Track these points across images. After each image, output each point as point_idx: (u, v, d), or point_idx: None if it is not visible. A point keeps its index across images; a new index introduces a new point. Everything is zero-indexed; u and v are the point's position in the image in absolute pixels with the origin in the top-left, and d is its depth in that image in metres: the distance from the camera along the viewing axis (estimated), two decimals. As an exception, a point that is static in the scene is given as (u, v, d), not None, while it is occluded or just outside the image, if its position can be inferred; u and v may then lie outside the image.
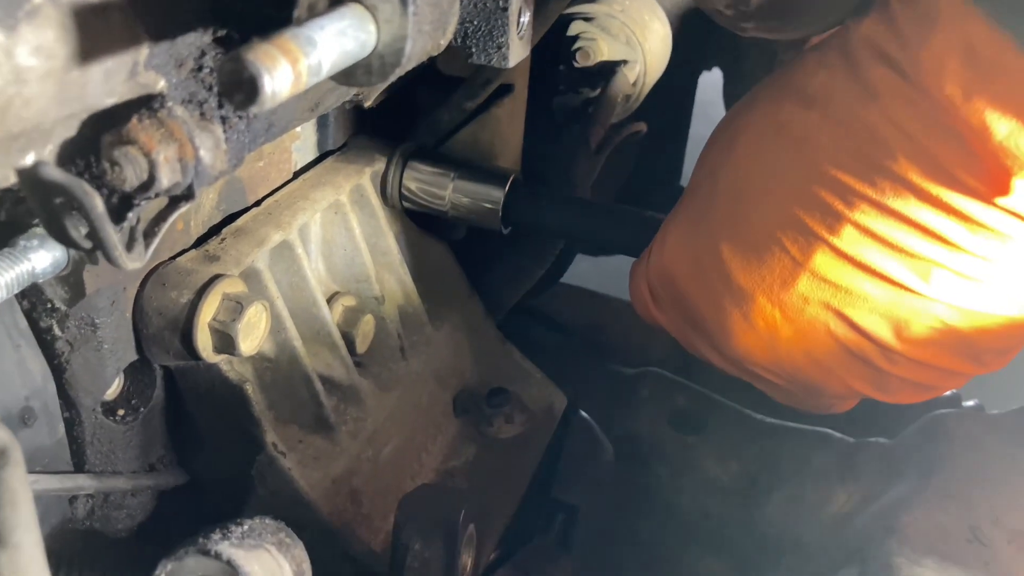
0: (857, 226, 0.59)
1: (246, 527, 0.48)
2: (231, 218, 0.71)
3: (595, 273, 1.59)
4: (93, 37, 0.40)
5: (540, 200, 0.83)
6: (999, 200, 0.56)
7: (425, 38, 0.45)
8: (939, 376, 0.65)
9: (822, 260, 0.61)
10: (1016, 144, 0.53)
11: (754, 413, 1.01)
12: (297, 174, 0.79)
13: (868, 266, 0.60)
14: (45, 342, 0.59)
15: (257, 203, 0.73)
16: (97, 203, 0.41)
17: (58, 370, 0.60)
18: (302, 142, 0.79)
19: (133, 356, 0.64)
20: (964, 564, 0.75)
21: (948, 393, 0.95)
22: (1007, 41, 0.51)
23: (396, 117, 0.88)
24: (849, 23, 0.62)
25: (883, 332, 0.62)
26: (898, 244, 0.59)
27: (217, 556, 0.45)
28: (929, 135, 0.56)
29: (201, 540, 0.46)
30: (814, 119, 0.60)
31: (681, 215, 0.71)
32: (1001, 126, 0.53)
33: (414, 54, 0.44)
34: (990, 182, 0.55)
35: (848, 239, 0.60)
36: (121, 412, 0.66)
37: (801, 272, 0.62)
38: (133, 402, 0.67)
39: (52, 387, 0.60)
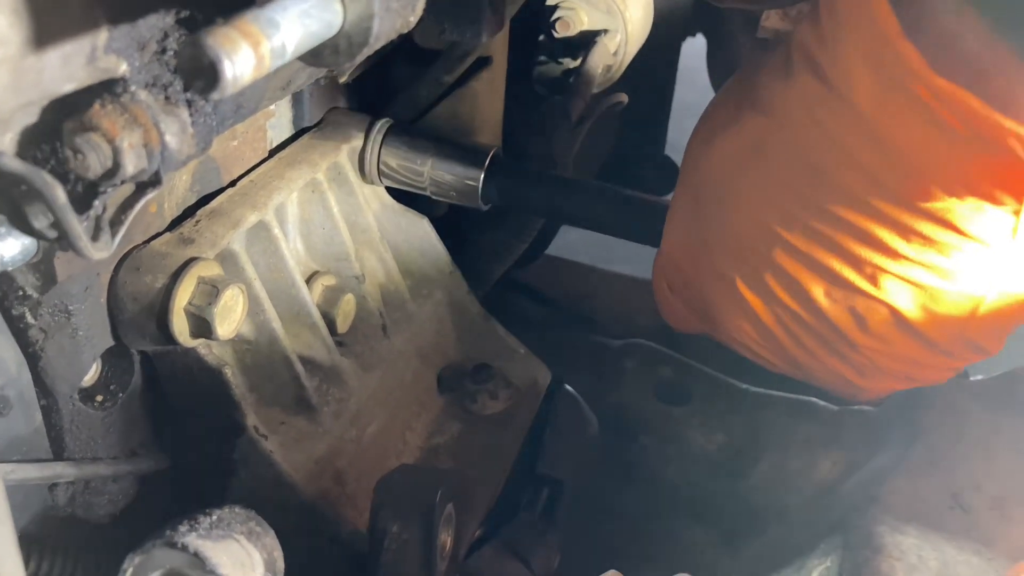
0: (809, 228, 0.61)
1: (214, 517, 0.47)
2: (206, 199, 0.70)
3: (581, 244, 1.58)
4: (48, 21, 0.38)
5: (520, 177, 0.82)
6: (923, 205, 0.55)
7: (393, 16, 0.44)
8: (913, 367, 0.66)
9: (784, 258, 0.62)
10: (926, 151, 0.52)
11: (739, 383, 1.01)
12: (272, 152, 0.77)
13: (824, 265, 0.61)
14: (18, 330, 0.58)
15: (232, 183, 0.72)
16: (59, 194, 0.40)
17: (33, 358, 0.59)
18: (277, 119, 0.77)
19: (109, 342, 0.63)
20: (946, 531, 0.75)
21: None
22: (914, 55, 0.50)
23: (373, 92, 0.86)
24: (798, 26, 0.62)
25: (847, 326, 0.64)
26: (846, 248, 0.60)
27: (184, 548, 0.44)
28: (852, 141, 0.56)
29: (168, 532, 0.45)
30: (769, 126, 0.61)
31: (677, 208, 0.73)
32: (910, 133, 0.53)
33: (382, 33, 0.43)
34: (911, 189, 0.55)
35: (803, 241, 0.61)
36: (99, 398, 0.65)
37: (768, 267, 0.63)
38: (111, 388, 0.66)
39: (27, 375, 0.60)
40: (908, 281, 0.59)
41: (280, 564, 0.49)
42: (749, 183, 0.63)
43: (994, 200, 0.54)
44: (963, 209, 0.54)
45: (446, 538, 0.62)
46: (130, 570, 0.44)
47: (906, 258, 0.58)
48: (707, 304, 0.71)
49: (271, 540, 0.49)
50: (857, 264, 0.60)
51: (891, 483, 0.79)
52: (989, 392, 0.87)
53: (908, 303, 0.60)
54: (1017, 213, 0.54)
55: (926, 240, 0.57)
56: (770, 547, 0.90)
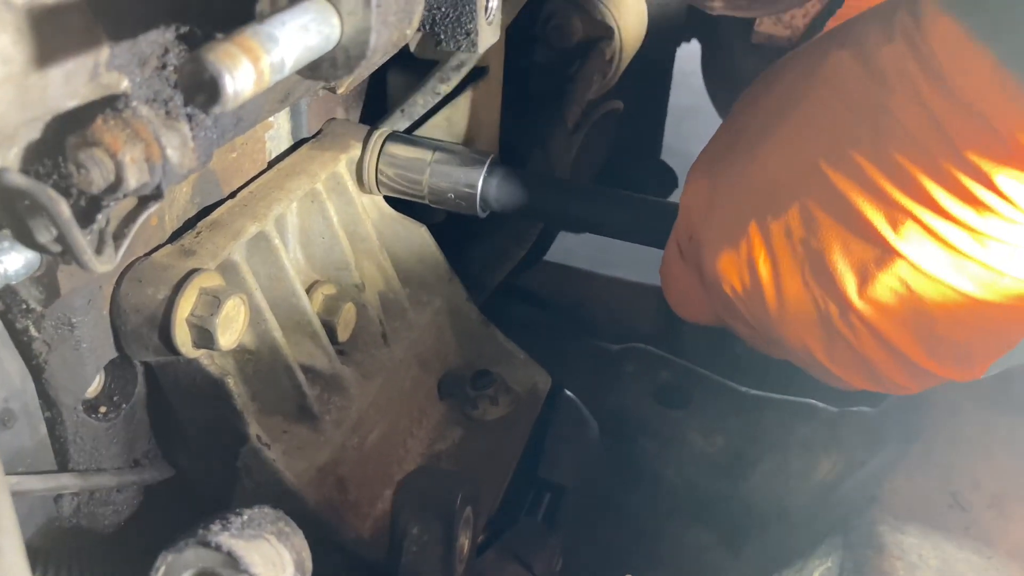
0: (854, 166, 0.59)
1: (245, 517, 0.48)
2: (206, 211, 0.70)
3: (580, 250, 1.59)
4: (51, 40, 0.39)
5: (518, 183, 0.83)
6: (973, 157, 0.55)
7: (391, 29, 0.45)
8: (887, 357, 0.65)
9: (816, 197, 0.61)
10: (985, 103, 0.53)
11: (739, 386, 1.02)
12: (272, 163, 0.78)
13: (851, 201, 0.60)
14: (22, 343, 0.59)
15: (232, 195, 0.73)
16: (63, 208, 0.41)
17: (37, 370, 0.60)
18: (275, 131, 0.78)
19: (112, 353, 0.64)
20: (946, 530, 0.76)
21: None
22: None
23: (370, 102, 0.87)
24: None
25: (847, 282, 0.62)
26: (885, 191, 0.58)
27: (217, 547, 0.44)
28: (925, 81, 0.56)
29: (201, 531, 0.45)
30: (845, 59, 0.61)
31: (708, 151, 0.71)
32: (978, 87, 0.53)
33: (379, 46, 0.44)
34: (967, 136, 0.55)
35: (839, 170, 0.60)
36: (103, 409, 0.66)
37: (794, 206, 0.62)
38: (115, 399, 0.67)
39: (31, 387, 0.60)
40: (937, 236, 0.59)
41: (308, 564, 0.49)
42: (805, 114, 0.62)
43: None
44: (1010, 168, 0.55)
45: (464, 540, 0.62)
46: (163, 568, 0.44)
47: (941, 208, 0.58)
48: (706, 249, 0.69)
49: (300, 540, 0.49)
50: (892, 209, 0.59)
51: (890, 483, 0.80)
52: (985, 391, 0.88)
53: (928, 260, 0.59)
54: None
55: (967, 195, 0.57)
56: (771, 548, 0.90)
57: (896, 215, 0.59)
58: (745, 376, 1.04)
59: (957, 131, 0.56)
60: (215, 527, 0.47)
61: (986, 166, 0.56)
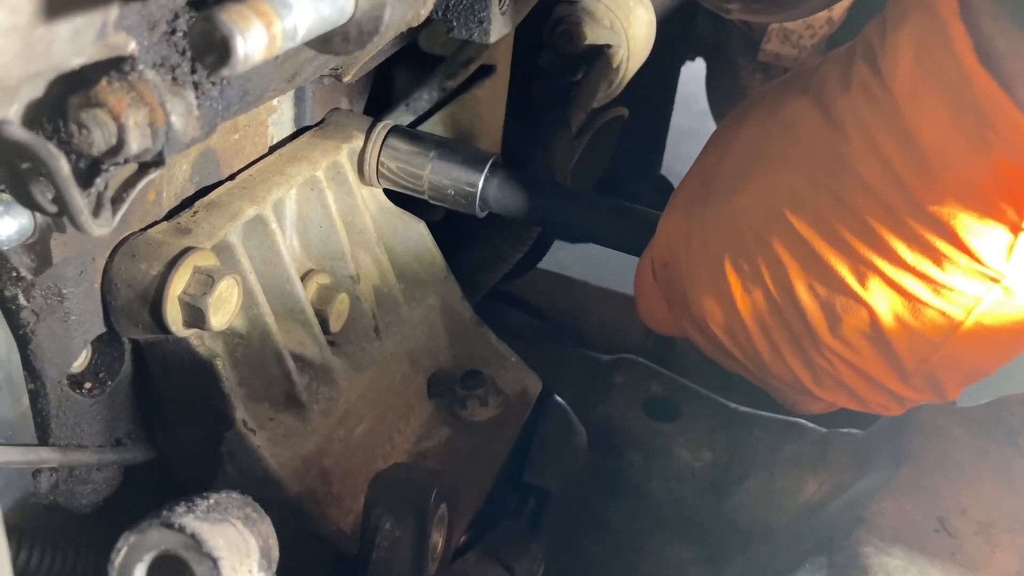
0: (813, 214, 0.60)
1: (212, 501, 0.47)
2: (204, 191, 0.70)
3: (573, 261, 1.59)
4: (61, -7, 0.38)
5: (519, 185, 0.83)
6: (931, 208, 0.55)
7: (405, 6, 0.44)
8: (867, 386, 0.66)
9: (781, 240, 0.62)
10: (949, 150, 0.53)
11: (728, 402, 1.01)
12: (273, 148, 0.77)
13: (817, 254, 0.61)
14: (10, 311, 0.58)
15: (231, 177, 0.72)
16: (63, 165, 0.40)
17: (23, 340, 0.59)
18: (279, 116, 0.78)
19: (101, 328, 0.63)
20: (931, 554, 0.75)
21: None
22: (962, 38, 0.51)
23: (375, 94, 0.87)
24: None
25: (819, 325, 0.63)
26: (847, 241, 0.59)
27: (181, 529, 0.44)
28: (883, 132, 0.56)
29: (165, 513, 0.45)
30: (806, 106, 0.62)
31: (684, 186, 0.72)
32: (937, 129, 0.53)
33: (393, 22, 0.43)
34: (927, 185, 0.55)
35: (804, 225, 0.61)
36: (88, 385, 0.65)
37: (762, 249, 0.63)
38: (100, 375, 0.66)
39: (16, 358, 0.59)
40: (896, 287, 0.59)
41: (275, 552, 0.49)
42: (770, 161, 0.63)
43: (998, 212, 0.54)
44: (968, 218, 0.54)
45: (438, 538, 0.61)
46: (124, 549, 0.44)
47: (902, 261, 0.58)
48: (684, 284, 0.71)
49: (267, 527, 0.48)
50: (852, 259, 0.60)
51: (877, 505, 0.80)
52: (975, 418, 0.88)
53: (888, 309, 0.60)
54: (1015, 232, 0.54)
55: (925, 247, 0.57)
56: (754, 566, 0.89)
57: (857, 265, 0.60)
58: (735, 392, 1.03)
59: (915, 182, 0.56)
60: (179, 509, 0.46)
61: (946, 218, 0.55)
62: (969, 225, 0.54)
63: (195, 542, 0.44)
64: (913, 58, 0.53)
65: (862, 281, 0.60)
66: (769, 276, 0.64)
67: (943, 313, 0.59)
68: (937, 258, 0.57)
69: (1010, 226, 0.54)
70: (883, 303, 0.60)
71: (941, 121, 0.53)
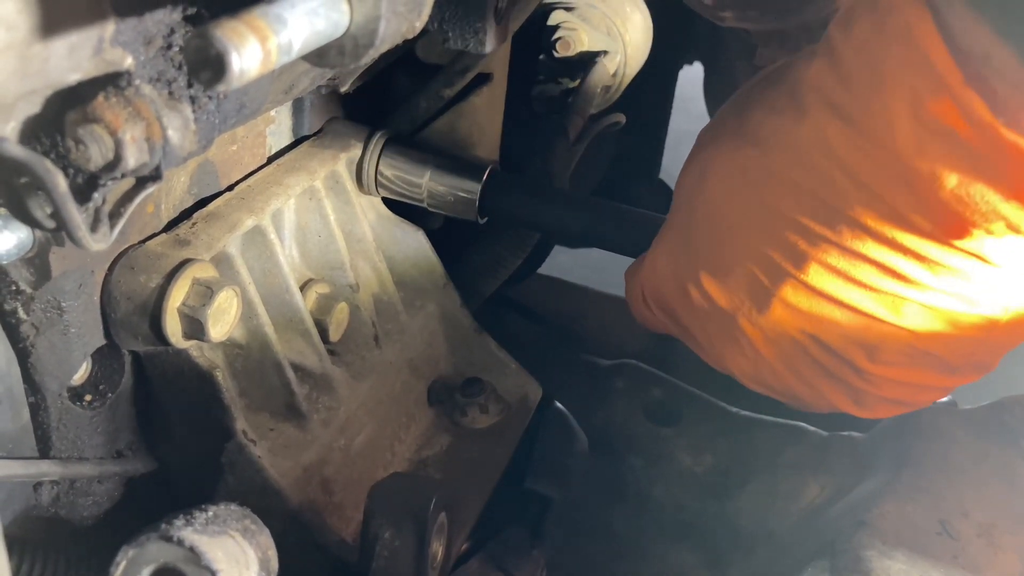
0: (822, 264, 0.60)
1: (210, 513, 0.47)
2: (203, 202, 0.70)
3: (573, 265, 1.59)
4: (57, 10, 0.38)
5: (517, 191, 0.83)
6: (957, 243, 0.55)
7: (400, 19, 0.44)
8: (915, 391, 0.66)
9: (791, 292, 0.61)
10: (967, 194, 0.52)
11: (729, 406, 1.01)
12: (271, 159, 0.78)
13: (836, 299, 0.60)
14: (9, 325, 0.58)
15: (230, 188, 0.72)
16: (59, 181, 0.40)
17: (23, 354, 0.59)
18: (277, 126, 0.78)
19: (101, 341, 0.63)
20: (933, 557, 0.75)
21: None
22: (950, 100, 0.50)
23: (373, 104, 0.87)
24: (796, 61, 0.62)
25: (855, 356, 0.63)
26: (863, 281, 0.59)
27: (179, 542, 0.44)
28: (882, 184, 0.55)
29: (163, 526, 0.45)
30: (772, 164, 0.61)
31: (666, 238, 0.72)
32: (951, 178, 0.53)
33: (388, 35, 0.43)
34: (946, 228, 0.55)
35: (814, 275, 0.60)
36: (88, 397, 0.65)
37: (774, 301, 0.63)
38: (101, 387, 0.66)
39: (16, 371, 0.59)
40: (930, 308, 0.59)
41: (274, 564, 0.49)
42: (754, 222, 0.62)
43: (998, 210, 0.54)
44: (993, 241, 0.54)
45: (438, 547, 0.61)
46: (123, 563, 0.44)
47: (930, 287, 0.58)
48: (696, 340, 0.70)
49: (266, 539, 0.48)
50: (876, 299, 0.59)
51: (879, 508, 0.79)
52: (978, 420, 0.88)
53: (928, 328, 0.60)
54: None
55: (951, 270, 0.57)
56: (756, 570, 0.89)
57: (885, 297, 0.59)
58: (736, 396, 1.03)
59: (922, 220, 0.55)
60: (178, 522, 0.46)
61: (961, 242, 0.55)
62: (996, 246, 0.55)
63: (194, 555, 0.44)
64: (915, 122, 0.52)
65: (895, 310, 0.59)
66: (790, 327, 0.63)
67: (983, 316, 0.59)
68: (967, 276, 0.57)
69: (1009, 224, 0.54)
70: (920, 323, 0.60)
71: (956, 172, 0.52)
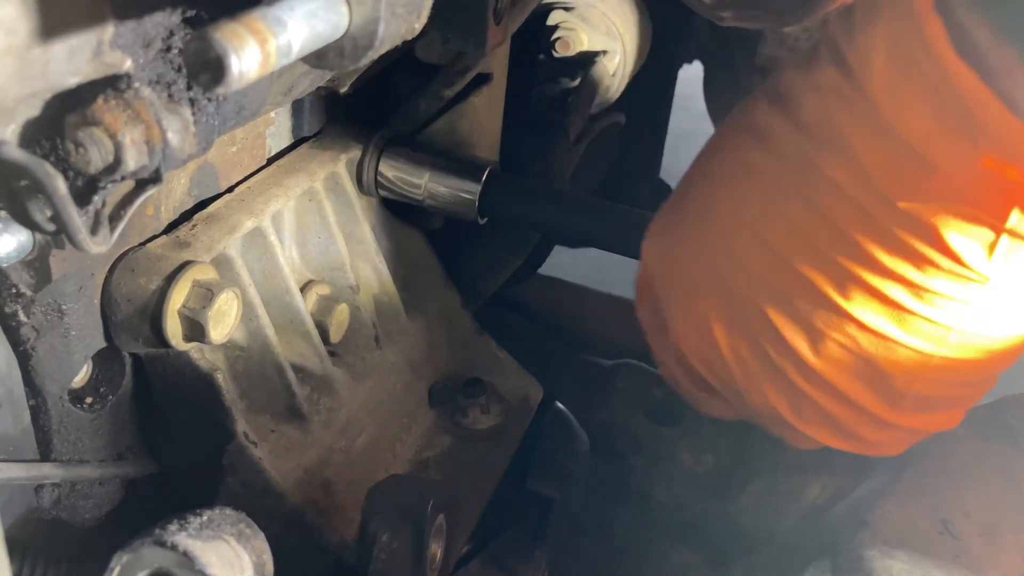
0: (787, 222, 0.59)
1: (205, 518, 0.47)
2: (203, 204, 0.70)
3: (574, 265, 1.59)
4: (56, 13, 0.38)
5: (517, 191, 0.83)
6: (911, 206, 0.54)
7: (399, 21, 0.44)
8: (852, 414, 0.64)
9: (756, 257, 0.61)
10: (927, 152, 0.52)
11: (730, 406, 1.01)
12: (271, 160, 0.77)
13: (796, 271, 0.59)
14: (10, 328, 0.58)
15: (230, 189, 0.72)
16: (59, 185, 0.40)
17: (24, 356, 0.59)
18: (276, 128, 0.78)
19: (101, 343, 0.63)
20: (935, 557, 0.75)
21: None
22: (939, 32, 0.50)
23: (373, 104, 0.87)
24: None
25: (801, 344, 0.61)
26: (823, 252, 0.58)
27: (173, 547, 0.44)
28: (858, 134, 0.54)
29: (157, 531, 0.45)
30: (770, 111, 0.61)
31: (663, 210, 0.72)
32: (918, 126, 0.52)
33: (387, 37, 0.43)
34: (903, 185, 0.54)
35: (779, 235, 0.59)
36: (89, 400, 0.65)
37: (738, 271, 0.62)
38: (101, 390, 0.66)
39: (17, 374, 0.59)
40: (879, 294, 0.57)
41: (269, 568, 0.48)
42: (740, 176, 0.62)
43: (980, 213, 0.53)
44: (948, 218, 0.53)
45: (436, 549, 0.61)
46: (118, 568, 0.44)
47: (882, 267, 0.56)
48: (663, 310, 0.70)
49: (261, 543, 0.48)
50: (830, 269, 0.58)
51: (880, 508, 0.79)
52: (977, 419, 0.88)
53: (873, 320, 0.58)
54: (997, 231, 0.54)
55: (904, 250, 0.55)
56: (758, 570, 0.89)
57: (837, 275, 0.58)
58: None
59: (892, 182, 0.54)
60: (172, 527, 0.46)
61: (925, 218, 0.54)
62: (950, 225, 0.53)
63: (188, 559, 0.44)
64: (887, 56, 0.52)
65: (843, 292, 0.58)
66: (744, 297, 0.62)
67: (930, 321, 0.58)
68: (918, 262, 0.55)
69: (992, 225, 0.53)
70: (867, 313, 0.58)
71: (921, 119, 0.52)
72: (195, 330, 0.62)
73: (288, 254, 0.77)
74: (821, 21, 0.82)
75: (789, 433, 0.70)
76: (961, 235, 0.53)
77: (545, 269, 1.31)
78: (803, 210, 0.58)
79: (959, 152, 0.51)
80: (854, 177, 0.55)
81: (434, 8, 0.49)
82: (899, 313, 0.58)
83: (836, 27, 0.57)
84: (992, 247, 0.54)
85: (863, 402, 0.63)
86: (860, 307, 0.58)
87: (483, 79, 0.88)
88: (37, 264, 0.56)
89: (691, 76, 1.47)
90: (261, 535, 0.49)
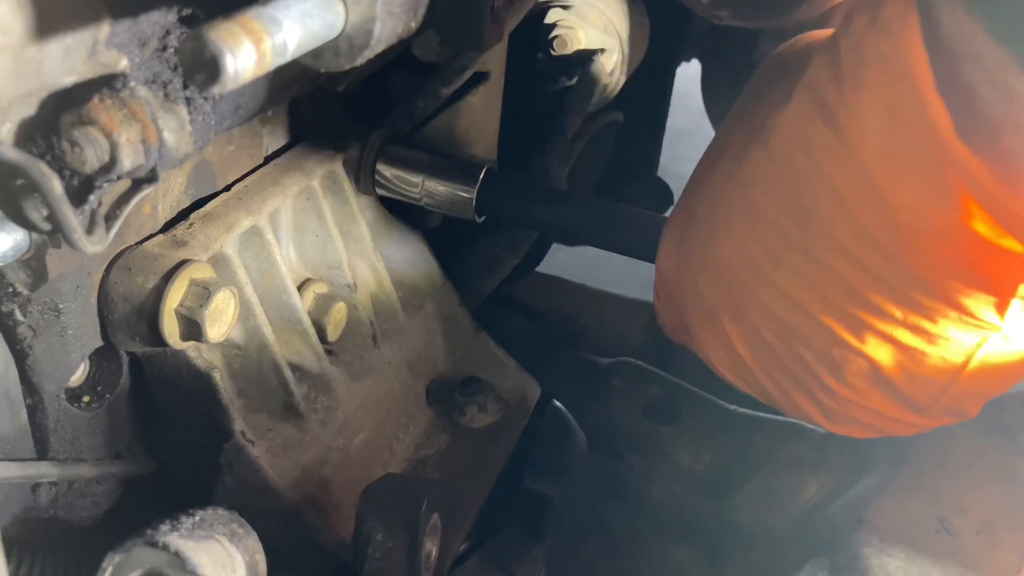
0: (790, 266, 0.58)
1: (197, 518, 0.47)
2: (200, 203, 0.70)
3: (571, 263, 1.59)
4: (51, 12, 0.38)
5: (514, 190, 0.83)
6: (914, 270, 0.54)
7: (395, 20, 0.44)
8: (882, 420, 0.64)
9: (768, 295, 0.60)
10: (925, 219, 0.51)
11: (727, 404, 1.01)
12: (268, 159, 0.77)
13: (806, 310, 0.59)
14: (7, 327, 0.58)
15: (227, 188, 0.72)
16: (55, 184, 0.40)
17: (20, 356, 0.59)
18: (273, 127, 0.78)
19: (98, 342, 0.63)
20: (932, 554, 0.75)
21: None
22: (942, 115, 0.48)
23: (370, 103, 0.87)
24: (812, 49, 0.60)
25: (822, 371, 0.62)
26: (831, 299, 0.58)
27: (165, 547, 0.44)
28: (852, 193, 0.53)
29: (149, 531, 0.45)
30: (765, 157, 0.60)
31: (672, 224, 0.72)
32: (909, 196, 0.51)
33: (383, 36, 0.43)
34: (903, 251, 0.53)
35: (784, 277, 0.59)
36: (86, 399, 0.65)
37: (752, 303, 0.62)
38: (98, 389, 0.66)
39: (14, 373, 0.59)
40: (891, 339, 0.57)
41: (262, 567, 0.48)
42: (740, 213, 0.62)
43: (982, 279, 0.52)
44: (955, 283, 0.53)
45: (431, 548, 0.61)
46: (110, 569, 0.44)
47: (892, 318, 0.56)
48: (687, 322, 0.70)
49: (253, 543, 0.48)
50: (840, 315, 0.58)
51: (877, 505, 0.80)
52: (976, 417, 0.88)
53: (889, 360, 0.58)
54: (1004, 295, 0.53)
55: (912, 303, 0.55)
56: (756, 568, 0.89)
57: (848, 320, 0.58)
58: (734, 394, 1.03)
59: (892, 244, 0.53)
60: (164, 527, 0.46)
61: (927, 278, 0.53)
62: (957, 289, 0.53)
63: (179, 560, 0.44)
64: (886, 126, 0.50)
65: (856, 335, 0.58)
66: (764, 328, 0.62)
67: (944, 359, 0.58)
68: (927, 313, 0.55)
69: (996, 291, 0.53)
70: (881, 354, 0.58)
71: (916, 190, 0.50)
72: (192, 329, 0.62)
73: (285, 253, 0.77)
74: (818, 19, 0.82)
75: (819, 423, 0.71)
76: (967, 297, 0.53)
77: (543, 267, 1.31)
78: (806, 261, 0.58)
79: (954, 228, 0.50)
80: (853, 235, 0.54)
81: (431, 7, 0.49)
82: (913, 354, 0.58)
83: (819, 73, 0.55)
84: (1003, 307, 0.54)
85: (892, 414, 0.63)
86: (874, 348, 0.58)
87: (481, 77, 0.88)
88: (34, 263, 0.56)
89: (689, 74, 1.46)
90: (254, 535, 0.49)
